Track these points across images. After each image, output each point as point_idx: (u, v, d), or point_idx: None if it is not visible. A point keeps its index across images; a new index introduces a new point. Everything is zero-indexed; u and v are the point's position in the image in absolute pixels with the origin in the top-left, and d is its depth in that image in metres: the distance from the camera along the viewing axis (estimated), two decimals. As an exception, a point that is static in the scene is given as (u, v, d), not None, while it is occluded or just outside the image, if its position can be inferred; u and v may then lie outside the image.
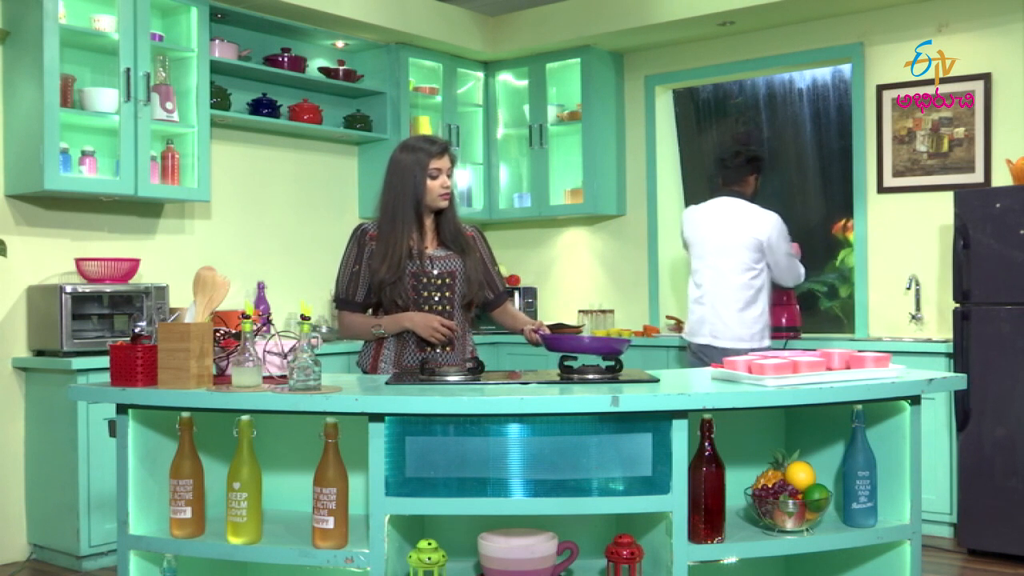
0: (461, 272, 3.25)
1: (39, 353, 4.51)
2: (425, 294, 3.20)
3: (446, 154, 3.24)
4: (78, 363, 4.25)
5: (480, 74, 6.45)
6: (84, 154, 4.57)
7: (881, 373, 2.63)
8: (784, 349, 4.73)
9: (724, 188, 4.71)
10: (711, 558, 2.55)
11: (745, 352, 4.31)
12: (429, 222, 3.26)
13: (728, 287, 4.54)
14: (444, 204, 3.23)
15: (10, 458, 4.49)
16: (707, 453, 2.51)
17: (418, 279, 3.18)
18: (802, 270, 4.79)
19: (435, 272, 3.21)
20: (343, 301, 3.23)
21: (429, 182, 3.19)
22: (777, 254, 4.55)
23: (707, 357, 4.48)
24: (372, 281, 3.18)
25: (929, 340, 4.90)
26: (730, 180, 4.68)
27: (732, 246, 4.53)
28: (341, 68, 5.71)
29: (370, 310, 3.27)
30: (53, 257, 4.65)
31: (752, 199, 4.67)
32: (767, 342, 4.63)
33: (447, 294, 3.23)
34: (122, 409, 2.66)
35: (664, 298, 6.15)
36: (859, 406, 2.62)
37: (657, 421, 2.44)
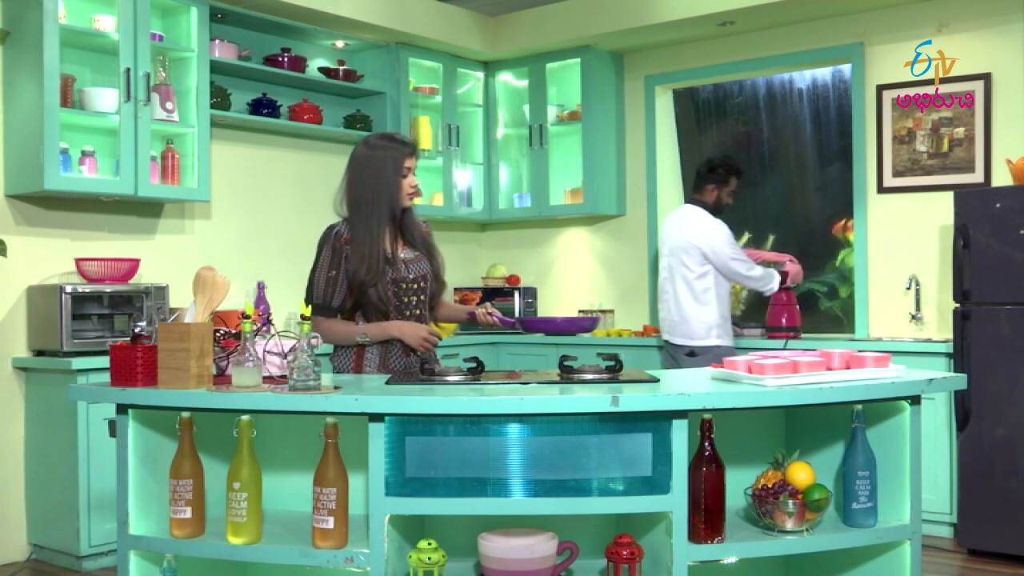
0: (430, 273, 3.27)
1: (39, 353, 4.51)
2: (405, 299, 3.18)
3: (415, 153, 3.23)
4: (78, 363, 4.25)
5: (480, 74, 6.45)
6: (84, 154, 4.57)
7: (881, 373, 2.63)
8: (784, 349, 4.74)
9: (689, 196, 5.11)
10: (711, 558, 2.55)
11: (696, 350, 4.77)
12: (394, 222, 3.23)
13: (678, 288, 4.88)
14: (412, 203, 3.22)
15: (10, 458, 4.49)
16: (707, 453, 2.51)
17: (397, 285, 3.16)
18: (755, 274, 4.89)
19: (411, 276, 3.20)
20: (320, 307, 3.13)
21: (400, 180, 3.17)
22: (718, 261, 4.81)
23: (670, 353, 4.96)
24: (352, 284, 3.12)
25: (929, 340, 4.90)
26: (694, 188, 5.06)
27: (681, 250, 4.86)
28: (341, 68, 5.71)
29: (339, 315, 3.21)
30: (53, 257, 4.65)
31: (715, 208, 4.94)
32: (726, 341, 4.86)
33: (421, 297, 3.24)
34: (122, 409, 2.66)
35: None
36: (859, 406, 2.62)
37: (657, 421, 2.44)
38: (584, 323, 5.14)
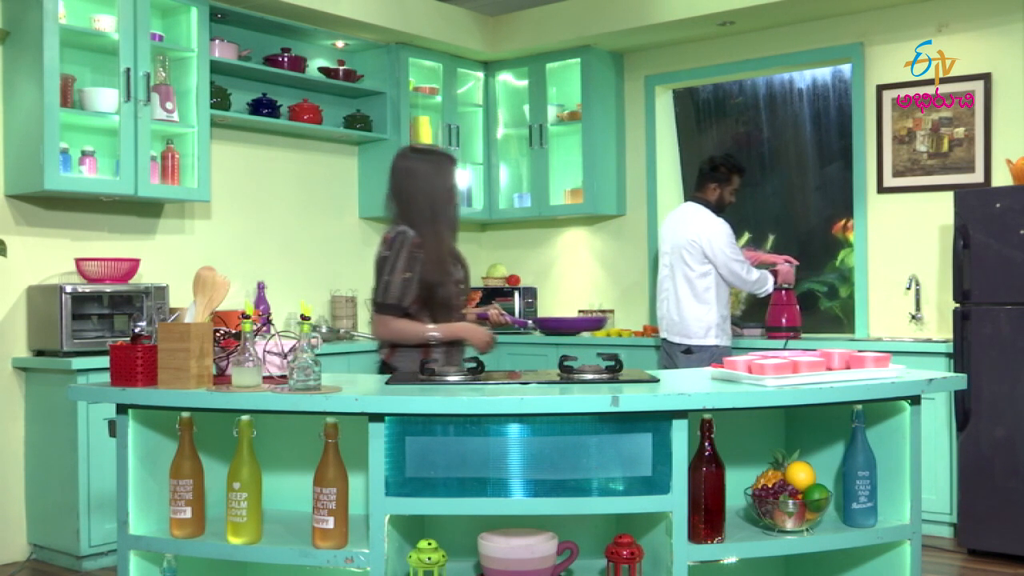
0: (464, 278, 3.48)
1: (39, 353, 4.51)
2: (462, 299, 3.41)
3: None
4: (78, 363, 4.25)
5: (480, 74, 6.45)
6: (84, 154, 4.57)
7: (881, 373, 2.63)
8: (784, 349, 4.75)
9: (691, 194, 5.08)
10: (711, 558, 2.55)
11: (693, 348, 4.79)
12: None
13: (679, 286, 4.88)
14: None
15: (10, 458, 4.49)
16: (707, 453, 2.51)
17: (457, 285, 3.36)
18: (752, 277, 4.91)
19: (461, 278, 3.43)
20: (393, 307, 3.21)
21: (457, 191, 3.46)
22: (718, 260, 4.81)
23: (667, 350, 4.97)
24: (423, 284, 3.22)
25: (929, 340, 4.90)
26: (696, 187, 5.05)
27: (682, 248, 4.85)
28: (341, 68, 5.71)
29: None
30: (53, 257, 4.65)
31: (717, 206, 4.94)
32: (724, 341, 4.86)
33: (463, 298, 3.45)
34: (122, 409, 2.66)
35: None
36: (859, 406, 2.62)
37: (657, 421, 2.45)
38: (597, 321, 5.23)
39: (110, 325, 4.53)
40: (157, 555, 2.67)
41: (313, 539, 2.49)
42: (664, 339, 4.99)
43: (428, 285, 3.22)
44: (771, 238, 6.00)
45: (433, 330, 3.23)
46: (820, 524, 2.63)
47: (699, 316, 4.81)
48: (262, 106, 5.35)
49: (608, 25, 5.79)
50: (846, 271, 5.70)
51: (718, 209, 4.92)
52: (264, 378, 2.70)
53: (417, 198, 3.30)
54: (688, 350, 4.84)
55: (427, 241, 3.24)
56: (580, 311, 6.21)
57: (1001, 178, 4.88)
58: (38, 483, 4.47)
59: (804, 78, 5.93)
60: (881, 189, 5.30)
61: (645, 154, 6.19)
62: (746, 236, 6.02)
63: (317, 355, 2.56)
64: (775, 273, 5.07)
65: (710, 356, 4.63)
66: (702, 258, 4.81)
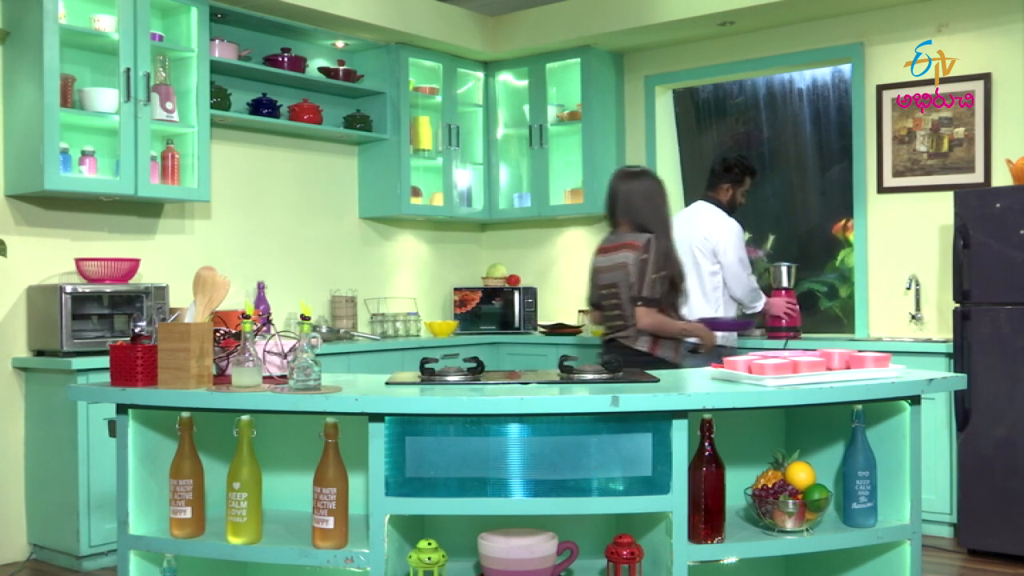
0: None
1: (39, 353, 4.51)
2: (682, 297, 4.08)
3: None
4: (78, 363, 4.25)
5: (480, 74, 6.45)
6: (84, 154, 4.57)
7: (881, 373, 2.63)
8: (784, 349, 4.75)
9: (703, 193, 5.04)
10: (711, 558, 2.55)
11: (699, 347, 4.73)
12: None
13: (688, 285, 4.76)
14: None
15: (10, 458, 4.49)
16: (707, 453, 2.51)
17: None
18: (753, 284, 4.93)
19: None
20: (655, 300, 3.86)
21: None
22: (725, 259, 4.81)
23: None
24: (671, 281, 3.90)
25: (929, 340, 4.90)
26: (708, 186, 5.02)
27: (694, 247, 4.82)
28: (341, 68, 5.71)
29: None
30: (53, 257, 4.65)
31: (729, 207, 4.93)
32: (730, 341, 4.85)
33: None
34: (122, 409, 2.66)
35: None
36: (859, 406, 2.62)
37: (657, 421, 2.45)
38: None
39: (110, 325, 4.53)
40: (157, 555, 2.67)
41: (313, 539, 2.49)
42: None
43: (673, 283, 3.92)
44: (771, 238, 6.00)
45: (684, 327, 3.98)
46: (820, 524, 2.63)
47: (707, 315, 4.80)
48: (262, 106, 5.35)
49: (608, 25, 5.79)
50: (846, 271, 5.70)
51: (729, 210, 4.91)
52: (264, 378, 2.70)
53: (658, 213, 3.96)
54: (695, 349, 4.83)
55: (670, 250, 3.93)
56: (580, 311, 6.21)
57: (1001, 178, 4.88)
58: (38, 483, 4.47)
59: (804, 78, 5.93)
60: (881, 189, 5.30)
61: (645, 154, 6.19)
62: (746, 236, 6.01)
63: (317, 355, 2.56)
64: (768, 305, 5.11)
65: (716, 356, 4.63)
66: (713, 257, 4.80)
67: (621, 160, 6.25)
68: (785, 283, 5.23)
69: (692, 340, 4.86)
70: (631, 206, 3.97)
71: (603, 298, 4.02)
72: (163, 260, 5.04)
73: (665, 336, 3.92)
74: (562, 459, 2.44)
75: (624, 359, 3.50)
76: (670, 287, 3.91)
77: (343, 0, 5.34)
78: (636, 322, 3.89)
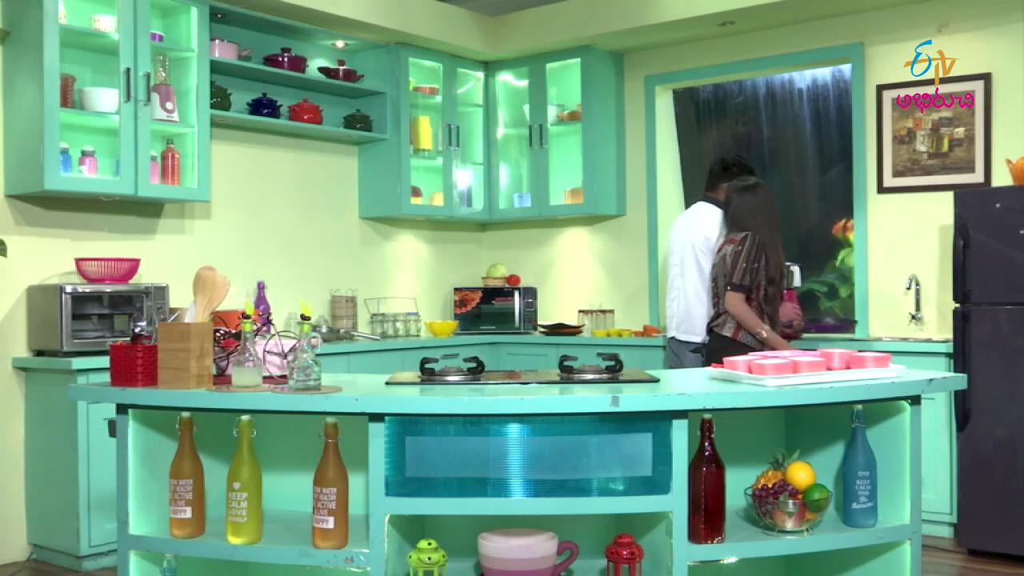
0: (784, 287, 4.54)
1: (39, 353, 4.51)
2: (778, 301, 4.37)
3: None
4: (78, 363, 4.25)
5: (480, 74, 6.45)
6: (84, 154, 4.57)
7: (881, 373, 2.63)
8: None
9: (703, 194, 5.06)
10: (711, 558, 2.55)
11: (701, 347, 4.79)
12: None
13: (688, 285, 4.89)
14: None
15: (10, 458, 4.49)
16: (707, 453, 2.51)
17: (780, 290, 4.37)
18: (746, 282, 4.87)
19: (784, 286, 4.45)
20: (743, 287, 4.21)
21: None
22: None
23: (674, 349, 4.98)
24: (767, 279, 4.22)
25: (929, 340, 4.90)
26: (707, 187, 5.05)
27: (695, 247, 4.86)
28: (341, 68, 5.71)
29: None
30: (53, 257, 4.65)
31: (727, 207, 4.82)
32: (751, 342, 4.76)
33: (778, 301, 4.41)
34: (122, 409, 2.66)
35: (664, 298, 6.15)
36: (859, 406, 2.62)
37: (657, 421, 2.45)
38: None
39: (110, 325, 4.53)
40: (157, 555, 2.67)
41: (313, 539, 2.49)
42: (672, 337, 4.98)
43: (769, 279, 4.23)
44: (771, 238, 5.99)
45: (761, 329, 4.18)
46: (820, 524, 2.63)
47: (709, 314, 4.80)
48: (262, 106, 5.35)
49: (608, 25, 5.79)
50: (846, 271, 5.70)
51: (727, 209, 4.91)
52: (264, 378, 2.70)
53: (770, 220, 4.32)
54: (698, 348, 4.84)
55: (769, 247, 4.24)
56: (580, 311, 6.21)
57: (1001, 178, 4.88)
58: (38, 483, 4.47)
59: (804, 78, 5.93)
60: (881, 189, 5.30)
61: (645, 154, 6.19)
62: (746, 236, 6.01)
63: (317, 355, 2.56)
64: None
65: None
66: (713, 257, 4.80)
67: (622, 160, 6.25)
68: (798, 284, 5.22)
69: (695, 340, 4.87)
70: (736, 217, 4.40)
71: (713, 293, 4.46)
72: (163, 260, 5.04)
73: (746, 328, 4.22)
74: (562, 459, 2.44)
75: (711, 345, 4.27)
76: (767, 283, 4.22)
77: (343, 0, 5.34)
78: (725, 305, 4.27)
